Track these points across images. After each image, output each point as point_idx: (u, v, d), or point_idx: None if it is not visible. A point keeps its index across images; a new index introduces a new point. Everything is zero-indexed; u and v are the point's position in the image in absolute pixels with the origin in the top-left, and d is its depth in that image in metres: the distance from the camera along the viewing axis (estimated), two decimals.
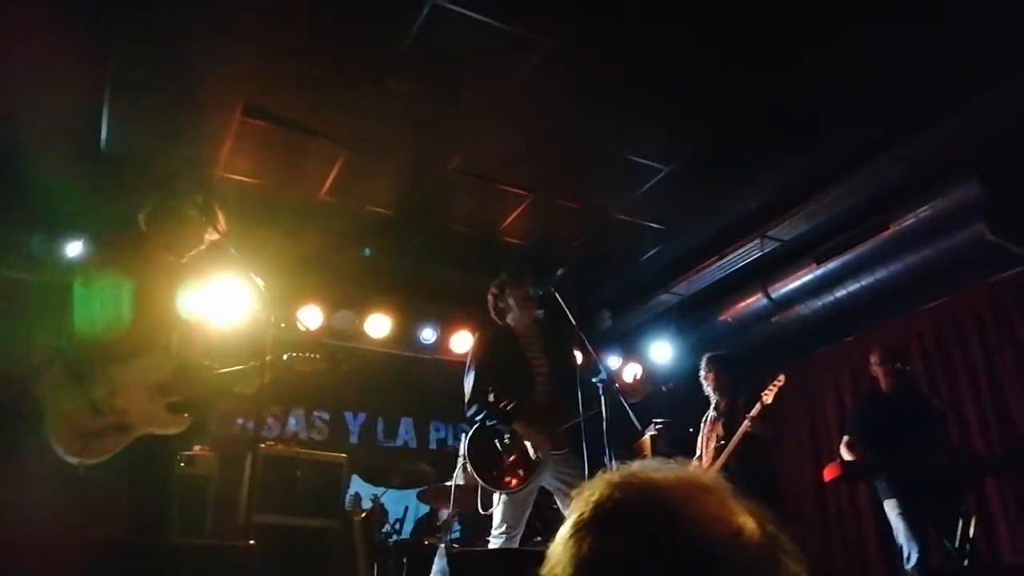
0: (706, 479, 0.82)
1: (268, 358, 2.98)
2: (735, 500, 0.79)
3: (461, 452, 4.75)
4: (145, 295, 3.01)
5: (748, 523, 0.75)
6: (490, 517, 3.92)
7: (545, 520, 4.42)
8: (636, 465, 0.86)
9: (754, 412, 4.52)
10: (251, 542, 2.41)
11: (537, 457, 3.77)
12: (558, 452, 3.83)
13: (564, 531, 0.82)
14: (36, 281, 5.22)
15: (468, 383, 4.02)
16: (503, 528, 3.76)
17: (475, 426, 3.94)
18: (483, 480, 3.80)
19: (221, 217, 3.17)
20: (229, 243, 3.17)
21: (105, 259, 3.20)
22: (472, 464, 3.85)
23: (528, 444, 3.78)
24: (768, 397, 4.50)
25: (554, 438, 3.81)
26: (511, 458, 3.80)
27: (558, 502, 3.95)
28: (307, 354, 3.21)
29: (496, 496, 3.88)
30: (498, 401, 3.91)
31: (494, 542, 3.77)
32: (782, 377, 4.52)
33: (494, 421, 3.85)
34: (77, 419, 2.70)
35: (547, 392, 3.97)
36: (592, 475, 0.87)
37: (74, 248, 5.26)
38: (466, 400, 4.00)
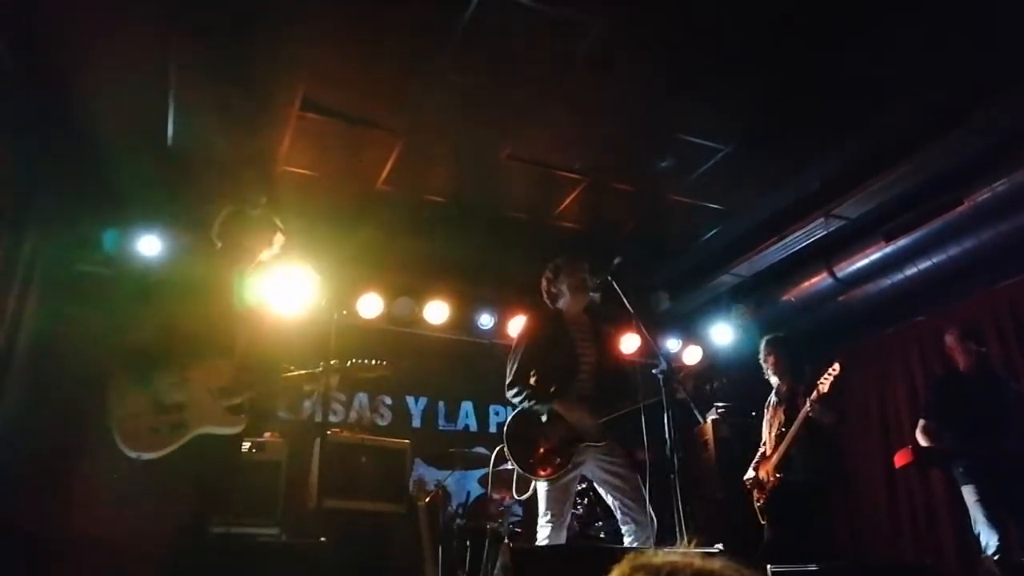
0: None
1: (333, 362, 3.14)
2: None
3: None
4: (213, 303, 3.18)
5: None
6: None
7: (605, 507, 4.41)
8: (660, 554, 1.00)
9: (811, 399, 4.40)
10: (322, 539, 2.49)
11: (579, 437, 3.73)
12: (597, 444, 3.79)
13: None
14: (112, 275, 5.44)
15: (511, 365, 3.99)
16: (548, 516, 3.73)
17: (515, 409, 3.92)
18: (519, 465, 3.79)
19: (280, 236, 3.46)
20: (293, 236, 3.39)
21: (181, 268, 3.46)
22: (509, 448, 3.83)
23: (570, 422, 3.75)
24: (824, 386, 4.35)
25: (594, 428, 3.77)
26: (548, 445, 3.77)
27: (602, 492, 3.89)
28: (370, 361, 3.34)
29: (534, 484, 3.85)
30: (539, 385, 3.88)
31: (541, 531, 3.75)
32: (837, 365, 4.35)
33: (533, 402, 3.83)
34: (139, 415, 2.86)
35: (589, 381, 3.92)
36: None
37: (146, 243, 5.46)
38: (507, 382, 3.97)
